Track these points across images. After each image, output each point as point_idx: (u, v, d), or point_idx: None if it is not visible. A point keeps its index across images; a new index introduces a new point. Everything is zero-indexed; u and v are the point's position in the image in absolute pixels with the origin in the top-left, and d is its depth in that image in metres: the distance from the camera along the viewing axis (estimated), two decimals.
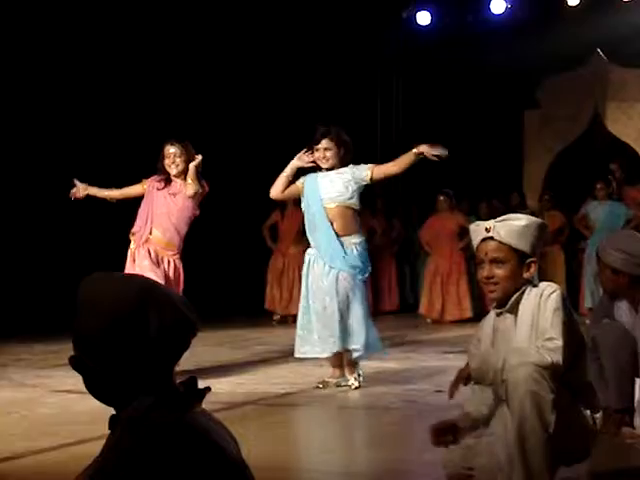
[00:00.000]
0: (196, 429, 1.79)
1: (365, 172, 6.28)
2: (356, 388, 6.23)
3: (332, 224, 6.27)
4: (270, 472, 4.00)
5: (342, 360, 6.36)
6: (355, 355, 6.31)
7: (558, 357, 3.11)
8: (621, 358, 4.44)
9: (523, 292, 3.29)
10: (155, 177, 6.78)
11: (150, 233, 6.68)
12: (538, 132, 13.60)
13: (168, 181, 6.72)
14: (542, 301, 3.23)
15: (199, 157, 6.62)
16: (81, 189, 6.93)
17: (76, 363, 1.87)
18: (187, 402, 1.85)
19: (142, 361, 1.82)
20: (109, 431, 1.86)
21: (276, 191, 6.50)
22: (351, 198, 6.29)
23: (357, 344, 6.26)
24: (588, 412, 3.25)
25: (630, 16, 12.05)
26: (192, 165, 6.60)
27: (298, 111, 12.21)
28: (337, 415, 5.71)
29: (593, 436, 3.31)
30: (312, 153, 6.36)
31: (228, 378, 6.79)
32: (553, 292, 3.24)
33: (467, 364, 3.42)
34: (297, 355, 6.43)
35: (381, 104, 14.30)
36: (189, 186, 6.60)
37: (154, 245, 6.67)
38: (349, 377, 6.31)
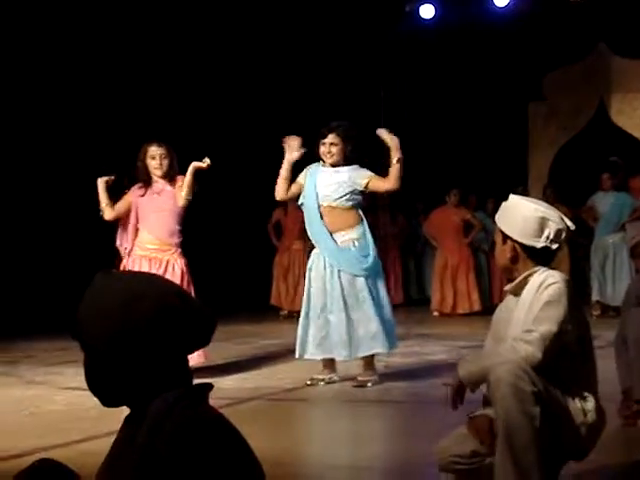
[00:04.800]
0: (226, 421, 1.79)
1: (363, 180, 6.21)
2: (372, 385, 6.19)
3: (323, 220, 6.25)
4: (279, 467, 4.02)
5: (333, 359, 6.30)
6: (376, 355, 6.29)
7: (534, 349, 3.04)
8: None
9: (530, 275, 3.26)
10: (134, 187, 6.57)
11: (135, 239, 6.51)
12: (543, 124, 13.56)
13: (147, 184, 6.52)
14: (540, 289, 3.18)
15: (207, 160, 6.42)
16: (105, 179, 6.59)
17: (91, 365, 1.81)
18: (203, 396, 1.83)
19: (170, 353, 1.80)
20: (125, 426, 1.84)
21: (280, 194, 6.46)
22: (339, 198, 6.22)
23: (376, 348, 6.18)
24: (579, 405, 3.12)
25: (634, 7, 12.00)
26: (191, 171, 6.40)
27: (302, 107, 12.20)
28: (344, 409, 5.73)
29: (591, 433, 3.16)
30: (317, 147, 6.29)
31: (235, 374, 6.81)
32: (554, 283, 3.17)
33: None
34: (296, 356, 6.35)
35: (385, 98, 14.27)
36: (182, 195, 6.42)
37: (149, 251, 6.48)
38: (365, 376, 6.22)
